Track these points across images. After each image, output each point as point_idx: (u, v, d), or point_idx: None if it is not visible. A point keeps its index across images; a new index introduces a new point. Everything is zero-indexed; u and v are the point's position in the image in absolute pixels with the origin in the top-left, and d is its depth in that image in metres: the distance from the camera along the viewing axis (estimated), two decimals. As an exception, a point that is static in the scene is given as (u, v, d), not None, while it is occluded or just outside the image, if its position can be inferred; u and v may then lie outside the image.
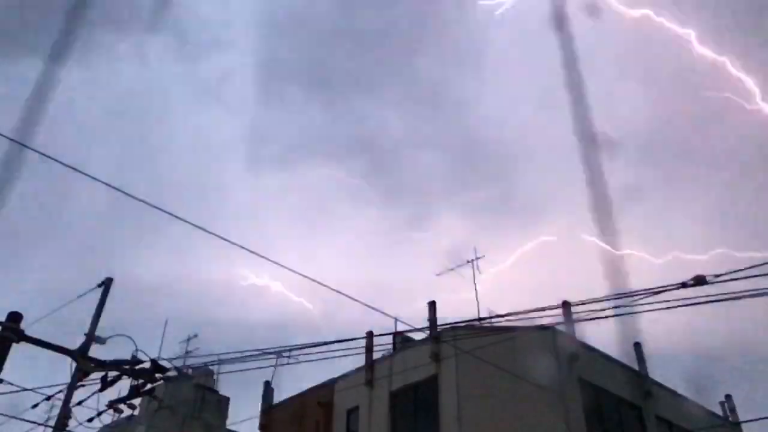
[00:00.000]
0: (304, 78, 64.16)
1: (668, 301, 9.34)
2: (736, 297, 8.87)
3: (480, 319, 15.30)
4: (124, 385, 11.26)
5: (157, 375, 11.21)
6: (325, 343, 11.40)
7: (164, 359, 11.48)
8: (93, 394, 10.99)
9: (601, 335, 13.78)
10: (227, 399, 22.55)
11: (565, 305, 12.93)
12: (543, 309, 10.98)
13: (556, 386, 13.59)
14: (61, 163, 7.21)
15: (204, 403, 21.42)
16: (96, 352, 10.91)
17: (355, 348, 12.82)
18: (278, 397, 19.26)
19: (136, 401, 11.57)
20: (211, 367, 21.16)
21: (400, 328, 14.44)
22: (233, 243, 8.46)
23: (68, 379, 10.60)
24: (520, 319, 11.85)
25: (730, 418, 18.92)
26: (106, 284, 11.67)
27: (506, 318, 12.21)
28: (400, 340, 16.78)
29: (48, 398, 10.93)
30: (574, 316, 13.05)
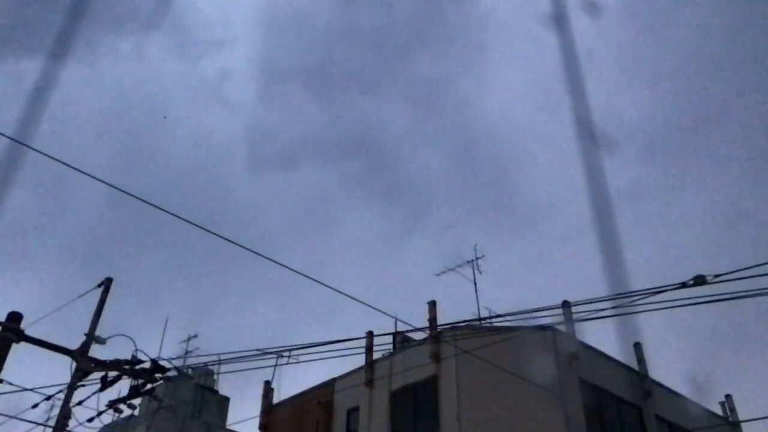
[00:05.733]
0: (305, 77, 64.22)
1: (668, 301, 9.35)
2: (736, 297, 8.87)
3: (480, 319, 15.33)
4: (124, 385, 11.28)
5: (157, 375, 11.22)
6: (325, 343, 11.41)
7: (164, 359, 11.47)
8: (93, 394, 11.00)
9: (601, 335, 13.79)
10: (227, 399, 22.57)
11: (565, 305, 12.96)
12: (543, 309, 10.99)
13: (556, 386, 13.59)
14: (61, 162, 7.21)
15: (204, 403, 21.42)
16: (96, 352, 10.93)
17: (355, 348, 12.84)
18: (278, 397, 19.30)
19: (136, 401, 11.58)
20: (211, 367, 21.18)
21: (400, 328, 14.48)
22: (233, 242, 8.46)
23: (68, 379, 10.60)
24: (520, 319, 11.87)
25: (730, 418, 18.91)
26: (106, 284, 11.67)
27: (506, 318, 12.24)
28: (400, 340, 16.79)
29: (48, 398, 10.93)
30: (574, 316, 13.06)
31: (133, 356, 11.03)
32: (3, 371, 9.69)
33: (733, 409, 19.10)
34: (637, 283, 8.73)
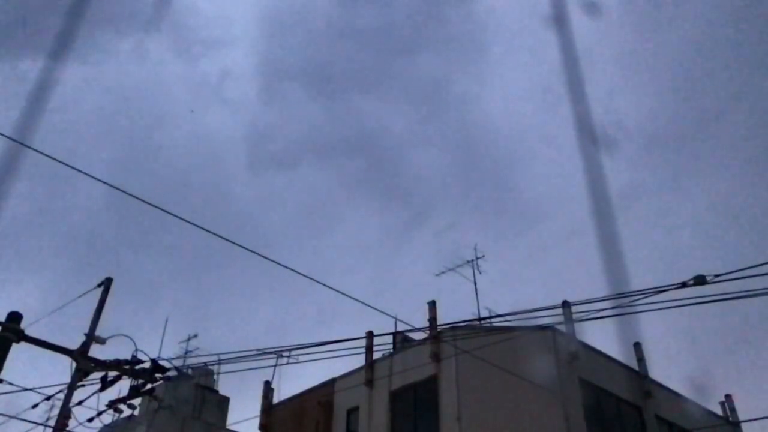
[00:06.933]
0: (305, 76, 64.23)
1: (668, 301, 9.36)
2: (736, 297, 8.87)
3: (480, 319, 15.34)
4: (124, 385, 11.28)
5: (157, 375, 11.22)
6: (325, 343, 11.43)
7: (164, 359, 11.48)
8: (93, 394, 11.00)
9: (601, 335, 13.79)
10: (227, 399, 22.56)
11: (565, 305, 12.96)
12: (543, 309, 11.00)
13: (556, 386, 13.59)
14: (61, 162, 7.21)
15: (204, 403, 21.41)
16: (96, 352, 10.93)
17: (355, 348, 12.85)
18: (278, 397, 19.30)
19: (136, 401, 11.58)
20: (211, 367, 21.18)
21: (400, 328, 14.50)
22: (233, 243, 8.46)
23: (68, 379, 10.60)
24: (520, 319, 11.89)
25: (730, 418, 18.91)
26: (106, 284, 11.67)
27: (506, 318, 12.27)
28: (400, 340, 16.79)
29: (48, 398, 10.94)
30: (574, 316, 13.07)
31: (133, 356, 11.03)
32: (3, 371, 9.69)
33: (733, 409, 19.09)
34: (637, 283, 8.74)
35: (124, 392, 11.33)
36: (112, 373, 11.02)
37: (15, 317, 10.08)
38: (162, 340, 20.23)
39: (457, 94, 63.19)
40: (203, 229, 8.12)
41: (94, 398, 11.01)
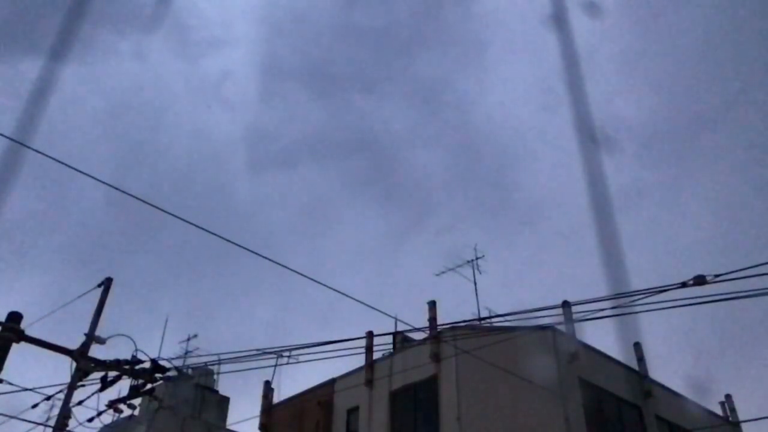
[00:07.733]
0: (305, 76, 64.22)
1: (668, 301, 9.36)
2: (736, 297, 8.87)
3: (480, 319, 15.34)
4: (124, 385, 11.28)
5: (157, 375, 11.21)
6: (325, 343, 11.42)
7: (164, 359, 11.47)
8: (93, 394, 10.99)
9: (601, 335, 13.79)
10: (227, 399, 22.57)
11: (565, 305, 12.96)
12: (543, 309, 11.00)
13: (556, 386, 13.59)
14: (61, 162, 7.21)
15: (204, 403, 21.42)
16: (96, 352, 10.92)
17: (355, 348, 12.84)
18: (278, 397, 19.30)
19: (136, 401, 11.57)
20: (211, 367, 21.19)
21: (400, 328, 14.49)
22: (233, 243, 8.46)
23: (68, 379, 10.59)
24: (520, 319, 11.88)
25: (730, 418, 18.91)
26: (106, 284, 11.67)
27: (506, 318, 12.26)
28: (400, 340, 16.79)
29: (48, 398, 10.93)
30: (574, 316, 13.06)
31: (133, 356, 11.02)
32: (3, 371, 9.69)
33: (733, 409, 19.09)
34: (637, 283, 8.74)
35: (124, 392, 11.33)
36: (112, 373, 11.01)
37: (15, 317, 10.08)
38: (162, 340, 20.25)
39: (457, 94, 63.21)
40: (203, 229, 8.12)
41: (94, 398, 11.01)
